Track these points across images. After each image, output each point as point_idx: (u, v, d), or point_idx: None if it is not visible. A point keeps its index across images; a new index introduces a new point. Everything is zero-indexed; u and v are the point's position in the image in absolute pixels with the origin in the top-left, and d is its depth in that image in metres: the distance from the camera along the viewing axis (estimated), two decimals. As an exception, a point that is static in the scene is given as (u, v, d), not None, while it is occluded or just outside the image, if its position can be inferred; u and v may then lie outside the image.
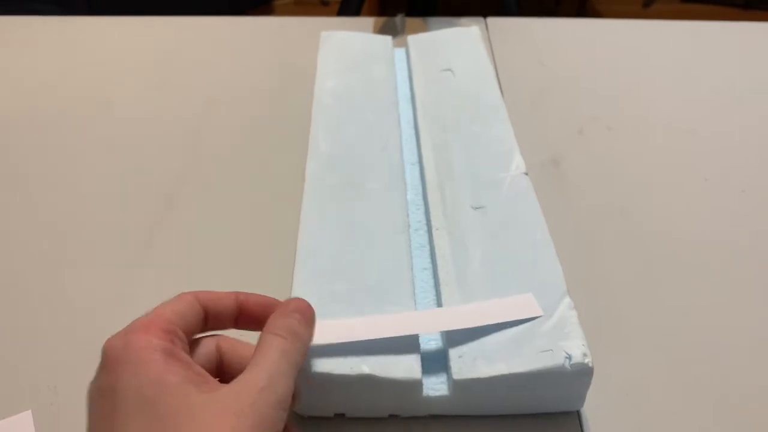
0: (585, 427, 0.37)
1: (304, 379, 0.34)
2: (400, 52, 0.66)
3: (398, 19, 0.77)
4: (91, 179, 0.54)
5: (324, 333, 0.35)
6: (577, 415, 0.37)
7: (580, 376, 0.35)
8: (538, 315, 0.37)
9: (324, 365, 0.34)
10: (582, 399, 0.36)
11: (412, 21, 0.76)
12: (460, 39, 0.66)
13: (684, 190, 0.53)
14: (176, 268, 0.46)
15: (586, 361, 0.35)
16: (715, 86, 0.67)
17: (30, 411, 0.37)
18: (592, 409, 0.37)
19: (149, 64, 0.69)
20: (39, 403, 0.38)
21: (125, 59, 0.70)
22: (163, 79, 0.67)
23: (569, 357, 0.35)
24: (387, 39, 0.66)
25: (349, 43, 0.65)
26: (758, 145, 0.58)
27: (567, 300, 0.38)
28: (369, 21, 0.77)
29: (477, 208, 0.46)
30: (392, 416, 0.37)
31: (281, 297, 0.41)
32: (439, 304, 0.40)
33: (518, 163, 0.49)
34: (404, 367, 0.35)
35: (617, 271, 0.46)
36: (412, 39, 0.66)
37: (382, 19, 0.77)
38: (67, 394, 0.38)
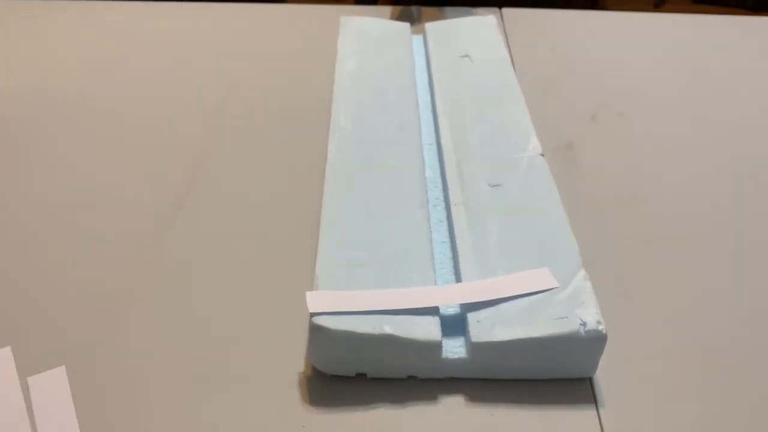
0: (597, 393, 0.38)
1: (325, 340, 0.36)
2: (417, 39, 0.67)
3: (414, 8, 0.78)
4: (113, 158, 0.55)
5: (346, 302, 0.37)
6: (589, 381, 0.38)
7: (593, 342, 0.36)
8: (554, 287, 0.39)
9: (347, 324, 0.36)
10: (595, 366, 0.38)
11: (428, 10, 0.78)
12: (477, 27, 0.67)
13: (693, 175, 0.55)
14: (204, 240, 0.47)
15: (600, 328, 0.36)
16: (724, 76, 0.68)
17: (64, 367, 0.38)
18: (603, 376, 0.39)
19: (166, 48, 0.71)
20: (72, 359, 0.39)
21: (144, 43, 0.71)
22: (185, 63, 0.68)
23: (584, 324, 0.36)
24: (405, 25, 0.68)
25: (368, 29, 0.66)
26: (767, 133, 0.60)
27: (582, 272, 0.40)
28: (386, 9, 0.79)
29: (494, 185, 0.47)
30: (411, 377, 0.38)
31: (306, 266, 0.42)
32: (458, 276, 0.41)
33: (534, 144, 0.51)
34: (425, 328, 0.36)
35: (629, 249, 0.47)
36: (430, 26, 0.67)
37: (399, 8, 0.79)
38: (102, 352, 0.40)
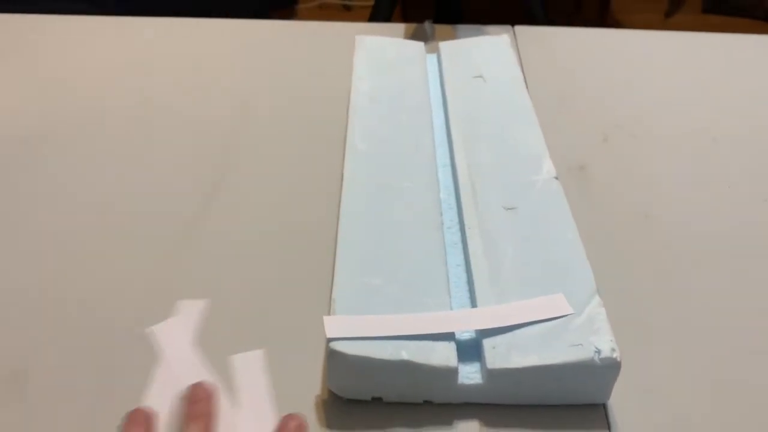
0: (611, 419, 0.38)
1: (342, 365, 0.36)
2: (431, 58, 0.68)
3: (427, 25, 0.79)
4: (129, 175, 0.56)
5: (363, 327, 0.37)
6: (603, 408, 0.39)
7: (608, 369, 0.37)
8: (569, 313, 0.39)
9: (364, 349, 0.36)
10: (608, 392, 0.38)
11: (441, 28, 0.79)
12: (491, 46, 0.68)
13: (707, 197, 0.55)
14: (217, 263, 0.48)
15: (615, 355, 0.37)
16: (736, 96, 0.68)
17: (263, 350, 0.41)
18: (617, 402, 0.39)
19: (183, 64, 0.72)
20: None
21: (158, 59, 0.72)
22: (198, 80, 0.69)
23: (598, 351, 0.37)
24: (420, 45, 0.68)
25: (383, 48, 0.67)
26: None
27: (597, 298, 0.40)
28: (400, 27, 0.79)
29: (509, 209, 0.47)
30: (427, 402, 0.38)
31: (321, 290, 0.43)
32: (473, 301, 0.42)
33: (548, 167, 0.51)
34: (441, 354, 0.37)
35: (643, 273, 0.48)
36: (444, 46, 0.68)
37: (412, 26, 0.79)
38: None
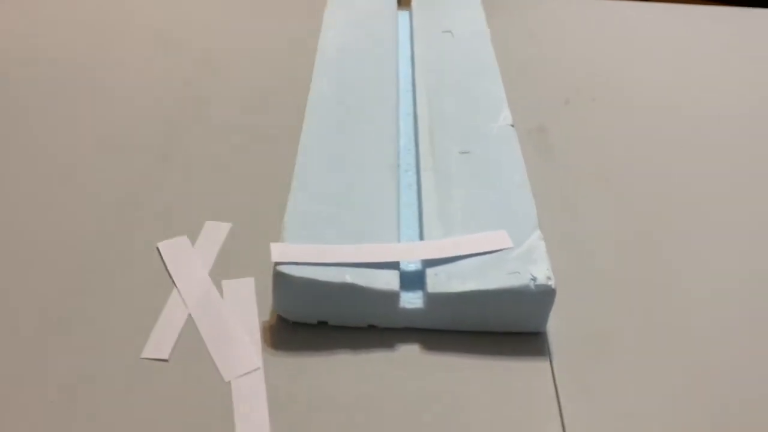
0: (550, 346, 0.40)
1: (288, 287, 0.38)
2: (403, 14, 0.69)
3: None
4: (81, 133, 0.56)
5: (310, 254, 0.39)
6: (543, 337, 0.40)
7: (543, 296, 0.38)
8: (509, 246, 0.41)
9: (309, 272, 0.38)
10: (545, 320, 0.40)
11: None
12: (461, 4, 0.69)
13: (663, 157, 0.56)
14: (182, 196, 0.49)
15: (549, 283, 0.38)
16: (697, 62, 0.70)
17: (253, 278, 0.42)
18: (557, 331, 0.40)
19: (149, 23, 0.73)
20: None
21: (124, 18, 0.73)
22: (164, 31, 0.70)
23: (534, 279, 0.38)
24: (392, 0, 0.69)
25: (355, 2, 0.68)
26: (735, 118, 0.61)
27: (537, 232, 0.41)
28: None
29: (464, 152, 0.49)
30: (371, 326, 0.40)
31: (277, 218, 0.44)
32: (421, 236, 0.43)
33: (506, 115, 0.52)
34: (384, 279, 0.38)
35: (595, 226, 0.49)
36: (416, 2, 0.69)
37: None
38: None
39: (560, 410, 0.36)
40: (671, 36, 0.75)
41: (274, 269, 0.38)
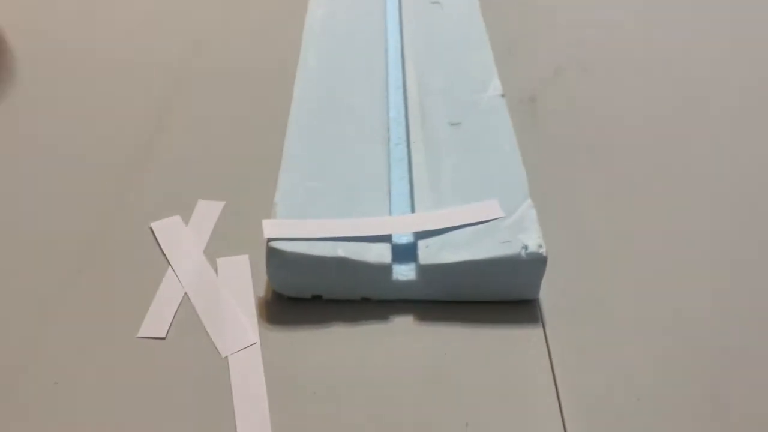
0: (543, 314, 0.40)
1: (281, 262, 0.38)
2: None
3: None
4: (67, 113, 0.56)
5: (302, 229, 0.39)
6: (536, 304, 0.41)
7: (534, 264, 0.38)
8: (500, 216, 0.41)
9: (302, 247, 0.38)
10: (537, 287, 0.40)
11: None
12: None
13: (654, 128, 0.56)
14: (173, 176, 0.49)
15: (541, 251, 0.38)
16: (690, 30, 0.69)
17: (247, 255, 0.43)
18: (549, 298, 0.41)
19: (135, 4, 0.72)
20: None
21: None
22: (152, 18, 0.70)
23: (525, 247, 0.38)
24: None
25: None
26: (728, 86, 0.61)
27: (528, 201, 0.42)
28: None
29: (454, 124, 0.49)
30: (365, 299, 0.40)
31: (268, 195, 0.44)
32: (413, 209, 0.43)
33: (495, 85, 0.52)
34: (376, 252, 0.39)
35: (584, 197, 0.49)
36: (404, -27, 0.68)
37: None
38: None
39: (554, 376, 0.37)
40: (666, 4, 0.74)
41: (267, 245, 0.38)
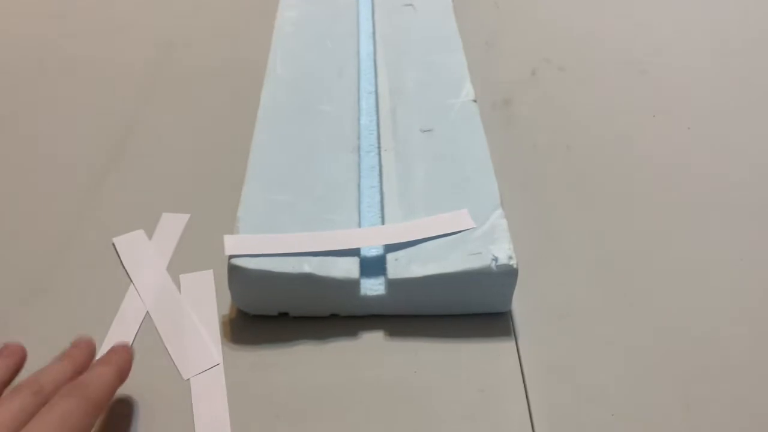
0: (515, 326, 0.39)
1: (244, 280, 0.37)
2: (364, -12, 0.67)
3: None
4: (41, 113, 0.55)
5: (265, 245, 0.38)
6: (508, 315, 0.40)
7: (505, 276, 0.38)
8: (471, 227, 0.40)
9: (266, 264, 0.37)
10: (509, 300, 0.39)
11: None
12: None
13: (631, 127, 0.55)
14: (137, 188, 0.48)
15: (511, 263, 0.37)
16: (667, 29, 0.68)
17: (212, 270, 0.42)
18: (521, 311, 0.40)
19: (103, 6, 0.70)
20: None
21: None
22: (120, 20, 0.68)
23: (496, 259, 0.37)
24: (351, -26, 0.67)
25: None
26: (705, 84, 0.60)
27: (499, 211, 0.41)
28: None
29: (425, 131, 0.48)
30: (333, 315, 0.39)
31: (235, 207, 0.43)
32: (383, 220, 0.42)
33: (468, 90, 0.51)
34: (343, 267, 0.38)
35: (560, 201, 0.48)
36: (377, -25, 0.67)
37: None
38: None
39: (526, 391, 0.36)
40: (643, 3, 0.73)
41: (229, 263, 0.37)
